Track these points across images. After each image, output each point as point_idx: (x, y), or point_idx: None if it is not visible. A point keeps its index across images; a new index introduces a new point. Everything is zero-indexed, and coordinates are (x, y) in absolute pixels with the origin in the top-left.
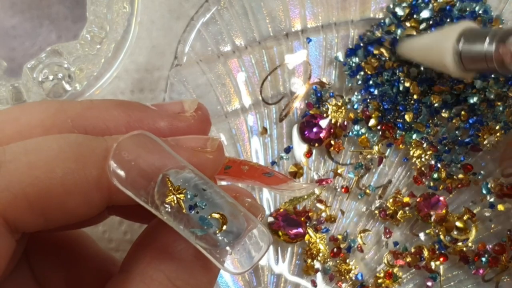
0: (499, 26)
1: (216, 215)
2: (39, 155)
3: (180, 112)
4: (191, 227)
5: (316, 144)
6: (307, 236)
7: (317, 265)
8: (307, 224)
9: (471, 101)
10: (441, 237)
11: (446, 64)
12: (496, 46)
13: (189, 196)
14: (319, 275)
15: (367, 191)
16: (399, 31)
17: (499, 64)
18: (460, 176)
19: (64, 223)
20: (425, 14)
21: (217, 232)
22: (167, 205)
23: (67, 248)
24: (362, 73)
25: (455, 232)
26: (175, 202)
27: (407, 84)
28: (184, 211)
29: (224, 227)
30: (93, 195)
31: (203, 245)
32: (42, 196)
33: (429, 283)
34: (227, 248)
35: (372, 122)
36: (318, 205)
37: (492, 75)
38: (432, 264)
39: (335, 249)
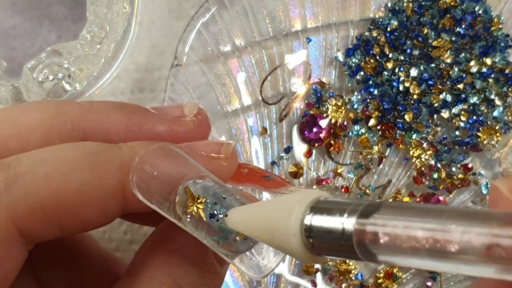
0: (499, 26)
1: None
2: (55, 166)
3: (180, 116)
4: (213, 235)
5: (316, 144)
6: None
7: (317, 265)
8: None
9: (471, 101)
10: None
11: (289, 246)
12: (356, 222)
13: (209, 205)
14: (319, 275)
15: (367, 191)
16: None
17: (358, 245)
18: (460, 176)
19: (79, 232)
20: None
21: (238, 238)
22: (188, 215)
23: (68, 246)
24: (362, 73)
25: None
26: (196, 211)
27: (407, 84)
28: (204, 219)
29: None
30: (109, 205)
31: (225, 252)
32: (58, 208)
33: (429, 283)
34: (247, 253)
35: (372, 122)
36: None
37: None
38: None
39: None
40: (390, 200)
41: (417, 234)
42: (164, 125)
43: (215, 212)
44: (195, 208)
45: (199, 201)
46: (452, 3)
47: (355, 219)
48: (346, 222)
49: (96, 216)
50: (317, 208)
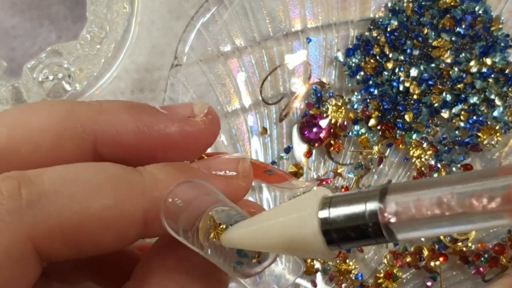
0: (499, 26)
1: None
2: (78, 189)
3: (190, 116)
4: (230, 261)
5: (316, 144)
6: None
7: (317, 265)
8: None
9: (471, 101)
10: (441, 237)
11: (312, 247)
12: (377, 205)
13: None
14: (319, 275)
15: None
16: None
17: (380, 228)
18: None
19: (95, 254)
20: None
21: (254, 261)
22: (209, 242)
23: None
24: (362, 73)
25: (455, 232)
26: (217, 237)
27: (407, 84)
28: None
29: (257, 256)
30: (129, 231)
31: (239, 275)
32: (78, 231)
33: (429, 283)
34: (258, 277)
35: (372, 122)
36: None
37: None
38: (432, 264)
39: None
40: None
41: (435, 201)
42: (175, 126)
43: None
44: (216, 235)
45: (220, 227)
46: (452, 3)
47: (375, 204)
48: (365, 209)
49: (114, 241)
50: (329, 203)
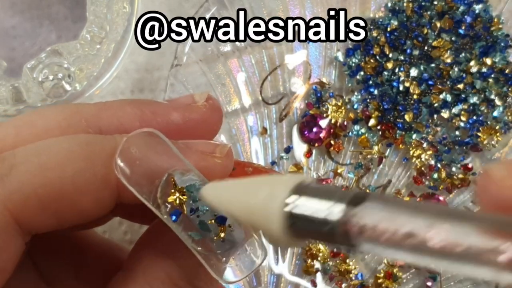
0: (499, 26)
1: (215, 222)
2: (50, 156)
3: (191, 103)
4: (190, 230)
5: (316, 144)
6: None
7: (317, 265)
8: None
9: (471, 101)
10: None
11: (268, 227)
12: (343, 212)
13: (191, 199)
14: (319, 275)
15: (367, 191)
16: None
17: (340, 237)
18: (460, 176)
19: (76, 223)
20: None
21: (215, 238)
22: (168, 205)
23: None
24: (362, 73)
25: None
26: (177, 202)
27: (407, 84)
28: (185, 212)
29: (222, 235)
30: (103, 193)
31: (199, 249)
32: (53, 197)
33: (429, 283)
34: (221, 256)
35: (372, 122)
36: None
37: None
38: None
39: (335, 249)
40: None
41: (399, 230)
42: (178, 112)
43: (198, 207)
44: (177, 199)
45: (182, 193)
46: (450, 4)
47: (342, 208)
48: (332, 210)
49: (90, 205)
50: (302, 191)
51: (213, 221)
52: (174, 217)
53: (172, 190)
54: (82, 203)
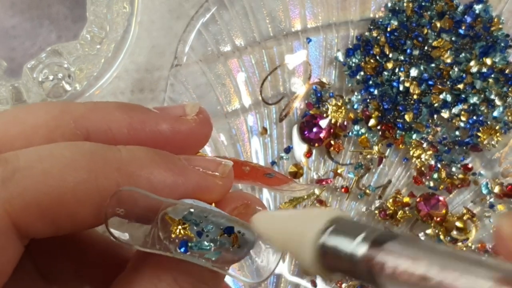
0: (499, 26)
1: (223, 234)
2: (53, 163)
3: (182, 115)
4: (204, 253)
5: (316, 144)
6: None
7: None
8: None
9: (471, 101)
10: (441, 237)
11: (302, 257)
12: (367, 249)
13: (194, 224)
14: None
15: (367, 191)
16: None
17: (365, 273)
18: (460, 176)
19: (74, 231)
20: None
21: (231, 249)
22: (176, 240)
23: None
24: (362, 73)
25: (455, 232)
26: (182, 233)
27: (407, 84)
28: (194, 239)
29: (236, 243)
30: (103, 205)
31: (220, 265)
32: (53, 205)
33: None
34: (242, 261)
35: (372, 122)
36: (318, 205)
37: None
38: None
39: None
40: (391, 200)
41: (425, 275)
42: (166, 123)
43: (203, 228)
44: (180, 230)
45: (182, 223)
46: (449, 4)
47: (367, 246)
48: (358, 246)
49: (89, 216)
50: (337, 225)
51: (222, 235)
52: (183, 249)
53: (172, 226)
54: (81, 214)
